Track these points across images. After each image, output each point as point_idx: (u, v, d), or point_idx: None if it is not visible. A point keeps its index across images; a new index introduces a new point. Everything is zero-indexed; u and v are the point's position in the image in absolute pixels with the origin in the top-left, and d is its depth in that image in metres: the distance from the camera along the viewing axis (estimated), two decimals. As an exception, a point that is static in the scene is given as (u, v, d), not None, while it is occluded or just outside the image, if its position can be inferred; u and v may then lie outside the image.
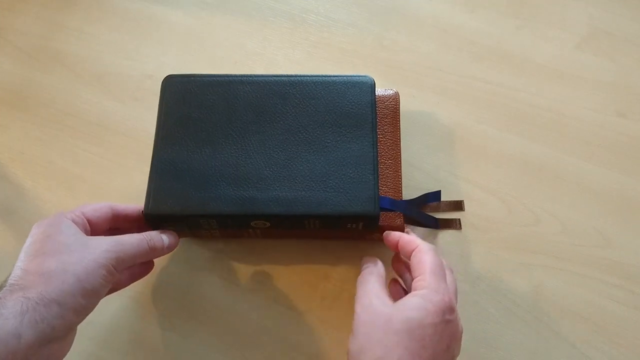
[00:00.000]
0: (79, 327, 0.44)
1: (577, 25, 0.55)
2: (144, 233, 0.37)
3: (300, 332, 0.43)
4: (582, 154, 0.49)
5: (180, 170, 0.40)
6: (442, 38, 0.55)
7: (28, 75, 0.54)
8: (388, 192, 0.43)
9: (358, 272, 0.45)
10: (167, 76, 0.44)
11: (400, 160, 0.45)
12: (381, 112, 0.46)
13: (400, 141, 0.45)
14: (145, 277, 0.45)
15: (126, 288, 0.44)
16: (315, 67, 0.54)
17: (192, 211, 0.39)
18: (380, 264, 0.38)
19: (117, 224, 0.39)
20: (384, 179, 0.44)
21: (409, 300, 0.33)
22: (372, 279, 0.36)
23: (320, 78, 0.43)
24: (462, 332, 0.35)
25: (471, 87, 0.52)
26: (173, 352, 0.43)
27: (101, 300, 0.44)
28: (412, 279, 0.35)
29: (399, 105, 0.47)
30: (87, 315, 0.34)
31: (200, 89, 0.43)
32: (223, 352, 0.43)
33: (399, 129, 0.46)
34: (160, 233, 0.39)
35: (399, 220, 0.42)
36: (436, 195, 0.47)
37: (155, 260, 0.45)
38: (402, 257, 0.40)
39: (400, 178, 0.44)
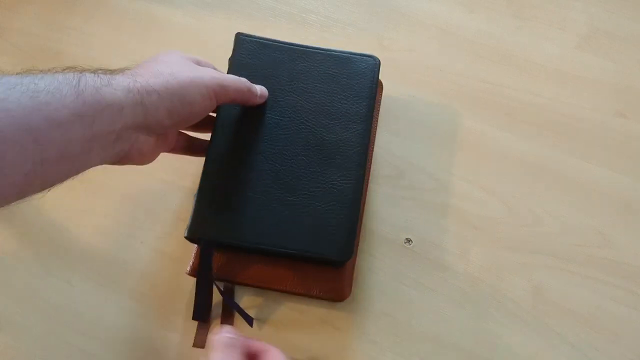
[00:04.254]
0: (78, 327, 0.44)
1: (577, 25, 0.55)
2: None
3: (300, 332, 0.43)
4: (582, 154, 0.49)
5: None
6: (442, 38, 0.55)
7: (28, 75, 0.54)
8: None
9: (358, 272, 0.45)
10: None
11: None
12: None
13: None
14: (145, 277, 0.45)
15: (126, 288, 0.45)
16: (315, 67, 0.54)
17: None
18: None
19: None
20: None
21: None
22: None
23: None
24: None
25: (471, 87, 0.52)
26: (173, 352, 0.43)
27: (101, 300, 0.44)
28: None
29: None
30: (174, 124, 0.36)
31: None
32: (223, 352, 0.43)
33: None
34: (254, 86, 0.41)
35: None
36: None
37: (154, 260, 0.46)
38: None
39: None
